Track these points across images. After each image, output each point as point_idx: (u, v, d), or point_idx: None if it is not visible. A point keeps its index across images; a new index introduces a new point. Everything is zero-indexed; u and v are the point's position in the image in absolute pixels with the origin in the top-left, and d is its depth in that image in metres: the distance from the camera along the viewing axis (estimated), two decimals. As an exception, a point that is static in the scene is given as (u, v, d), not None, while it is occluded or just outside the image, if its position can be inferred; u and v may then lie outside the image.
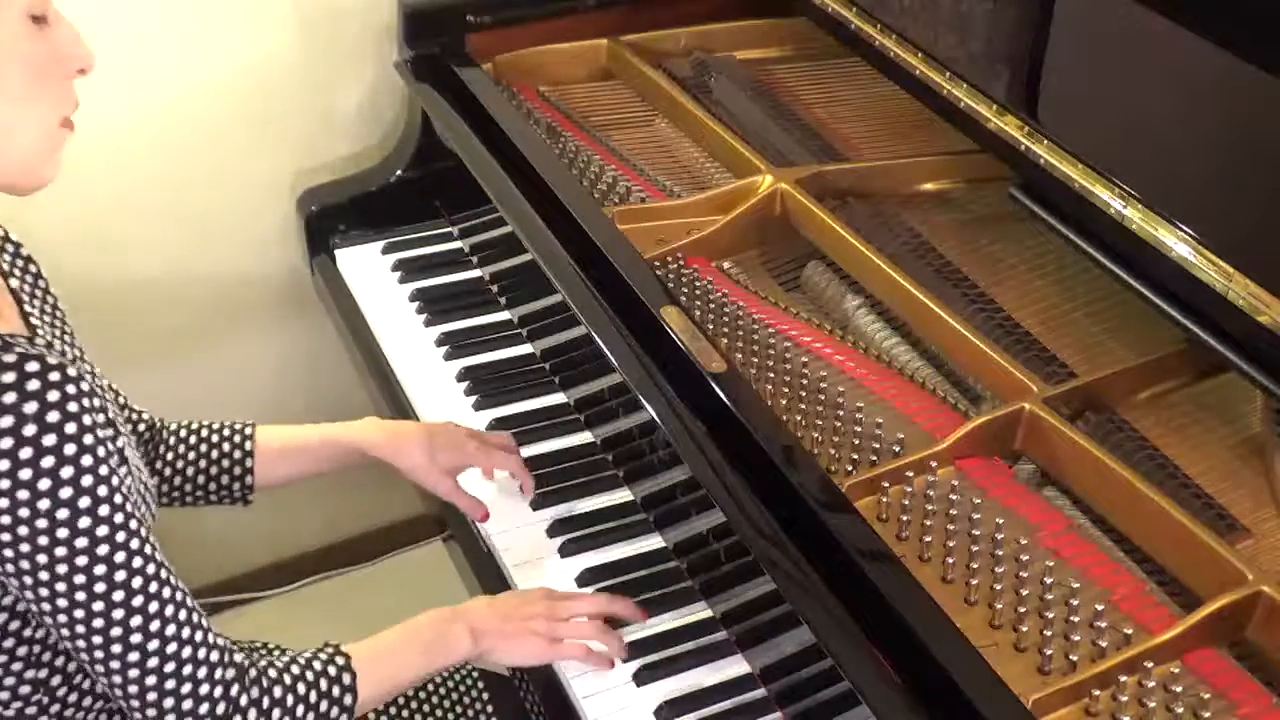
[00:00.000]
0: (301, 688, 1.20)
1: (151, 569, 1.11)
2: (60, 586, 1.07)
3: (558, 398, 1.71)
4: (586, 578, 1.48)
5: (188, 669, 1.13)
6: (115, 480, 1.08)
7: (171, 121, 2.01)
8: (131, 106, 1.97)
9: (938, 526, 1.32)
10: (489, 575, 1.53)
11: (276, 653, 1.24)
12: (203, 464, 1.49)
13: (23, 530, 1.05)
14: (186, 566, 2.51)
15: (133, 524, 1.10)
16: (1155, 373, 1.46)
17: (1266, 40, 1.45)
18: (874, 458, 1.40)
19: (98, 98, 1.92)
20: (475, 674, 1.59)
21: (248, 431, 1.51)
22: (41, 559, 1.06)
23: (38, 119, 1.11)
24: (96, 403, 1.09)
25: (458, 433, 1.56)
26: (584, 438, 1.65)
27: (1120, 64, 1.60)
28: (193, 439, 1.50)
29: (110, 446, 1.09)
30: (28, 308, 1.25)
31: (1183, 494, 1.34)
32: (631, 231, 1.62)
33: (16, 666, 1.19)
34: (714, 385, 1.39)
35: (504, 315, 1.84)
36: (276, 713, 1.18)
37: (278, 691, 1.19)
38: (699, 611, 1.44)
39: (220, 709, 1.15)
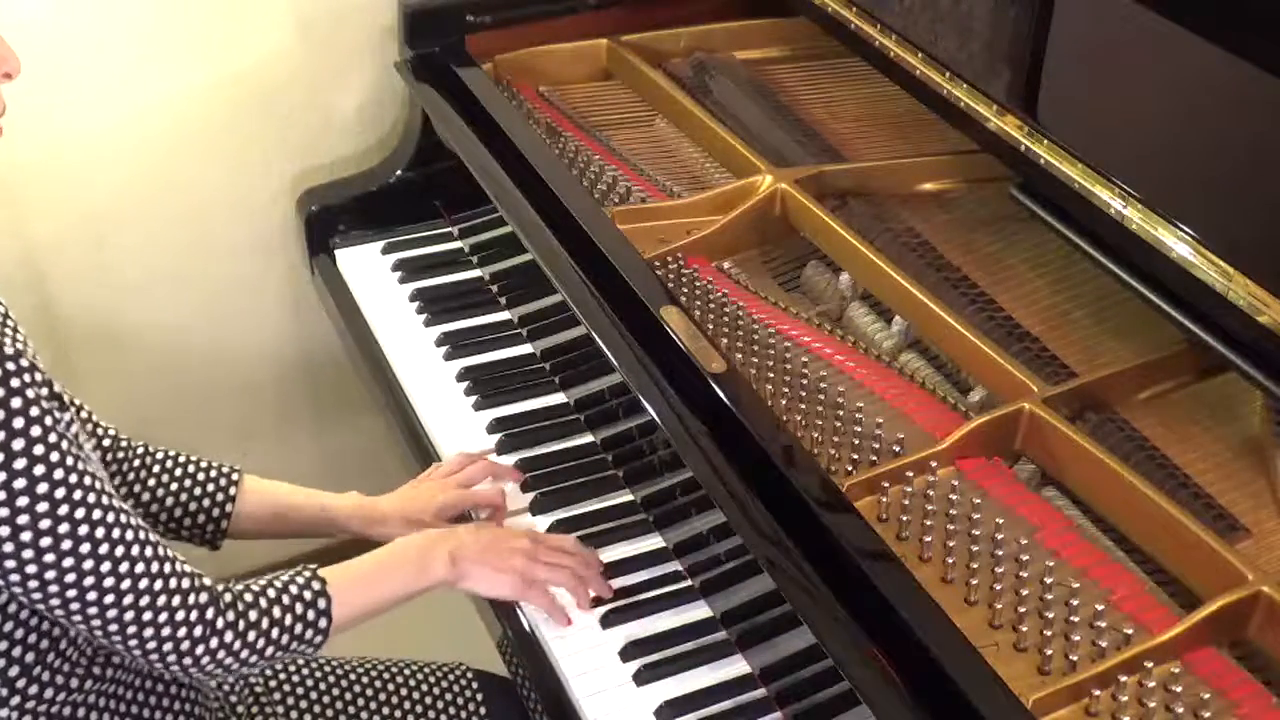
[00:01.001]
0: (277, 611, 1.25)
1: (111, 516, 1.14)
2: (26, 553, 1.10)
3: (558, 398, 1.71)
4: (586, 578, 1.48)
5: (161, 599, 1.17)
6: (64, 444, 1.11)
7: (171, 122, 2.01)
8: (132, 107, 1.98)
9: (938, 526, 1.32)
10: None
11: (255, 579, 1.27)
12: (183, 498, 1.49)
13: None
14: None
15: (87, 478, 1.13)
16: (1155, 373, 1.46)
17: (1266, 40, 1.44)
18: (874, 458, 1.40)
19: (98, 98, 1.93)
20: (470, 674, 1.59)
21: (234, 477, 1.51)
22: (3, 529, 1.09)
23: None
24: (40, 376, 1.11)
25: (432, 497, 1.55)
26: (584, 438, 1.65)
27: (1120, 64, 1.60)
28: (178, 471, 1.49)
29: (57, 415, 1.12)
30: None
31: (1183, 494, 1.34)
32: (631, 231, 1.62)
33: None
34: (714, 385, 1.39)
35: (504, 315, 1.84)
36: (252, 634, 1.23)
37: (253, 615, 1.23)
38: (699, 611, 1.44)
39: (198, 631, 1.19)
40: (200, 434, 2.22)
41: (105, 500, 1.15)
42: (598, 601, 1.44)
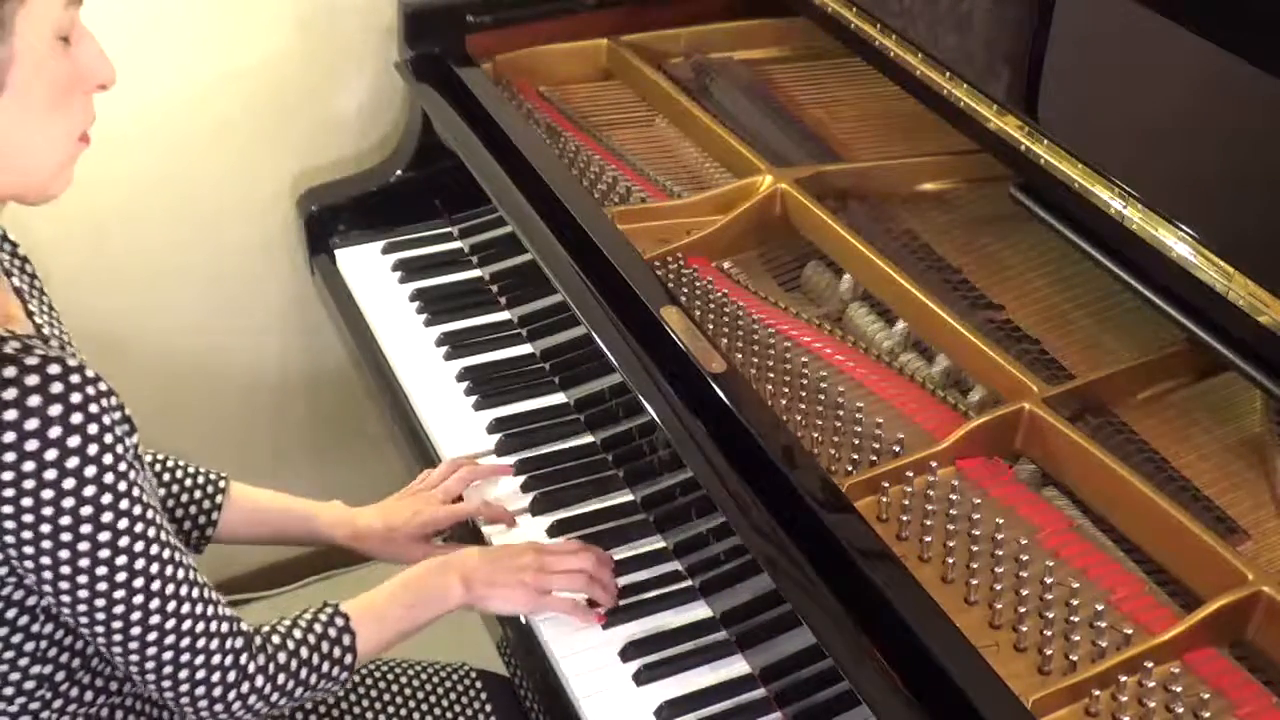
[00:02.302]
0: (305, 651, 1.26)
1: (166, 554, 1.15)
2: (82, 579, 1.11)
3: (558, 398, 1.71)
4: (586, 578, 1.48)
5: (201, 642, 1.18)
6: (133, 475, 1.12)
7: (171, 122, 2.01)
8: (132, 107, 1.97)
9: (938, 526, 1.32)
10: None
11: (280, 620, 1.28)
12: (169, 504, 1.49)
13: (45, 528, 1.08)
14: (186, 566, 2.48)
15: (149, 514, 1.14)
16: (1155, 373, 1.46)
17: (1266, 40, 1.44)
18: (874, 458, 1.39)
19: (98, 98, 1.93)
20: (474, 674, 1.59)
21: (220, 485, 1.51)
22: (64, 554, 1.09)
23: (58, 135, 1.12)
24: (115, 401, 1.12)
25: (419, 512, 1.55)
26: (584, 438, 1.65)
27: (1120, 64, 1.60)
28: (165, 476, 1.49)
29: (128, 443, 1.13)
30: (31, 307, 1.26)
31: (1183, 494, 1.34)
32: (631, 231, 1.62)
33: (23, 662, 1.20)
34: (714, 385, 1.39)
35: (504, 315, 1.84)
36: (282, 677, 1.24)
37: (282, 657, 1.24)
38: (699, 611, 1.44)
39: (231, 677, 1.20)
40: (199, 433, 2.22)
41: (163, 536, 1.15)
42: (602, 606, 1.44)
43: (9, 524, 1.07)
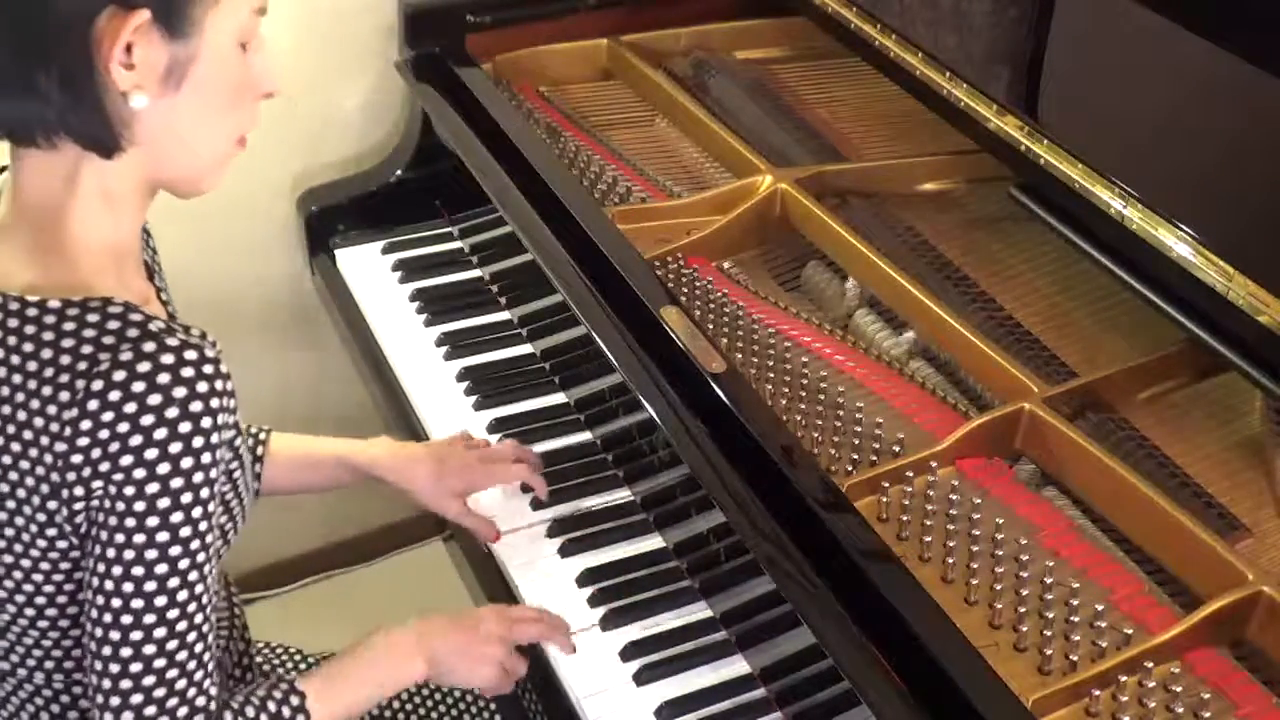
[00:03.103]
0: None
1: (200, 588, 1.11)
2: (117, 570, 1.08)
3: (558, 398, 1.71)
4: (586, 578, 1.48)
5: (171, 702, 1.11)
6: (210, 490, 1.10)
7: (171, 121, 2.01)
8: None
9: (938, 526, 1.32)
10: (489, 575, 1.53)
11: (236, 697, 1.21)
12: None
13: (119, 505, 1.06)
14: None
15: (209, 538, 1.11)
16: (1155, 373, 1.46)
17: (1266, 40, 1.45)
18: (874, 458, 1.40)
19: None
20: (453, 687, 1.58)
21: (261, 436, 1.50)
22: (120, 537, 1.07)
23: (223, 134, 1.16)
24: (232, 403, 1.12)
25: (467, 456, 1.54)
26: (584, 438, 1.65)
27: (1120, 64, 1.60)
28: None
29: (224, 450, 1.12)
30: (163, 296, 1.27)
31: (1183, 494, 1.34)
32: (631, 231, 1.62)
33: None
34: (714, 385, 1.39)
35: (504, 315, 1.84)
36: None
37: None
38: (699, 611, 1.44)
39: None
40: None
41: (206, 570, 1.11)
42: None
43: (96, 485, 1.06)
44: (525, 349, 1.79)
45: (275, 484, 1.51)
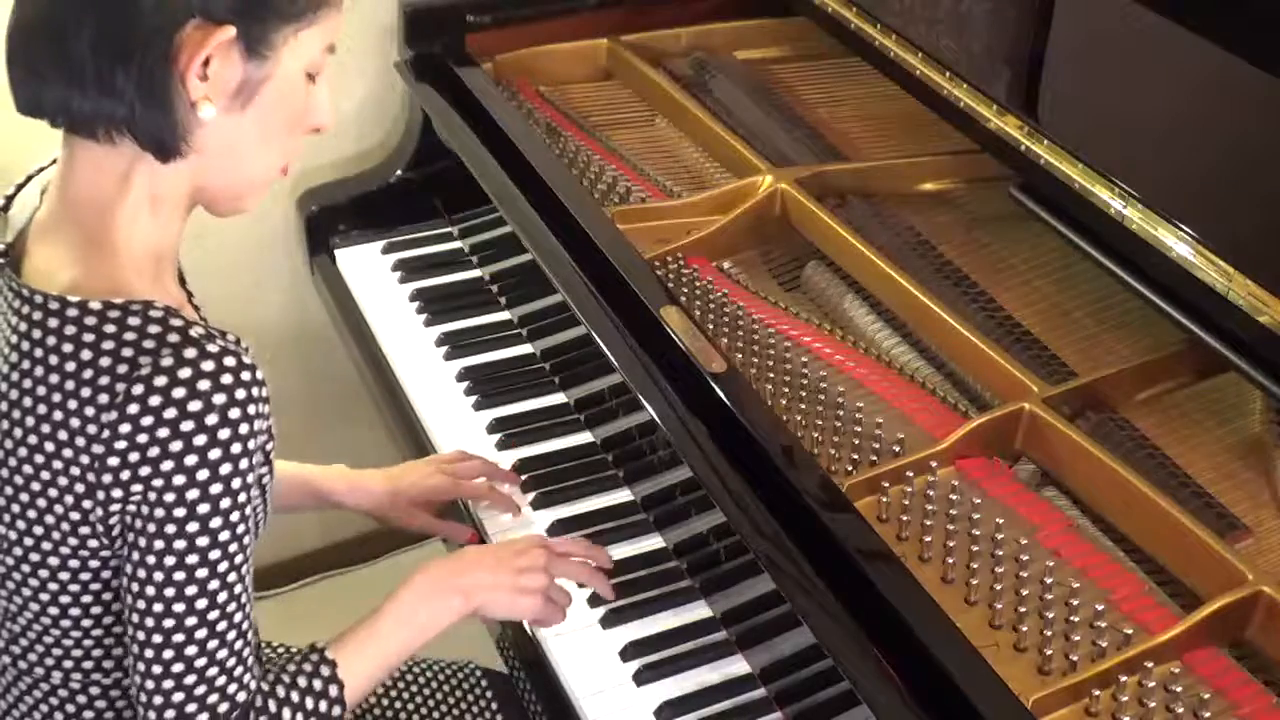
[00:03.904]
0: (287, 713, 1.19)
1: (238, 589, 1.12)
2: (150, 559, 1.09)
3: (558, 398, 1.71)
4: (586, 578, 1.48)
5: (212, 698, 1.13)
6: (247, 495, 1.11)
7: (171, 121, 2.01)
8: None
9: (938, 526, 1.32)
10: (489, 575, 1.53)
11: (268, 674, 1.21)
12: None
13: (159, 511, 1.07)
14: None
15: (245, 540, 1.12)
16: (1155, 373, 1.46)
17: (1266, 40, 1.45)
18: (874, 458, 1.40)
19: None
20: (479, 672, 1.58)
21: None
22: (158, 544, 1.08)
23: (272, 159, 1.19)
24: (267, 409, 1.14)
25: (427, 476, 1.55)
26: (584, 438, 1.65)
27: (1120, 64, 1.60)
28: None
29: (259, 456, 1.13)
30: (194, 301, 1.28)
31: (1183, 494, 1.34)
32: (631, 231, 1.62)
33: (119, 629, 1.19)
34: (714, 385, 1.39)
35: (504, 315, 1.84)
36: None
37: None
38: (699, 611, 1.44)
39: None
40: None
41: (243, 571, 1.13)
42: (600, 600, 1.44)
43: (135, 488, 1.07)
44: (525, 349, 1.79)
45: None
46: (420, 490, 1.54)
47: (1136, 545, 1.32)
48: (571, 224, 1.62)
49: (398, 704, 1.54)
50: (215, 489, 1.08)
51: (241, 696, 1.15)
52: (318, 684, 1.22)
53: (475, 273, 1.91)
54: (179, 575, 1.09)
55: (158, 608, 1.10)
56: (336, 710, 1.23)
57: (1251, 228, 1.38)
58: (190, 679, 1.12)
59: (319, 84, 1.20)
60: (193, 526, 1.08)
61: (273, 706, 1.18)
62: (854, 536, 1.25)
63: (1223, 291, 1.28)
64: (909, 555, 1.29)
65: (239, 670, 1.14)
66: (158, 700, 1.12)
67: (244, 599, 1.14)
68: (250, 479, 1.11)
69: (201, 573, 1.10)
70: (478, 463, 1.58)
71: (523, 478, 1.59)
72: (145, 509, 1.08)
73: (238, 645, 1.14)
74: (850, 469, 1.38)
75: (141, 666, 1.12)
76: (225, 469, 1.08)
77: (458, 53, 1.93)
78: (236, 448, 1.08)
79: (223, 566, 1.11)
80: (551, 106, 1.95)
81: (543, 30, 2.00)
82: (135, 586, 1.10)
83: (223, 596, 1.11)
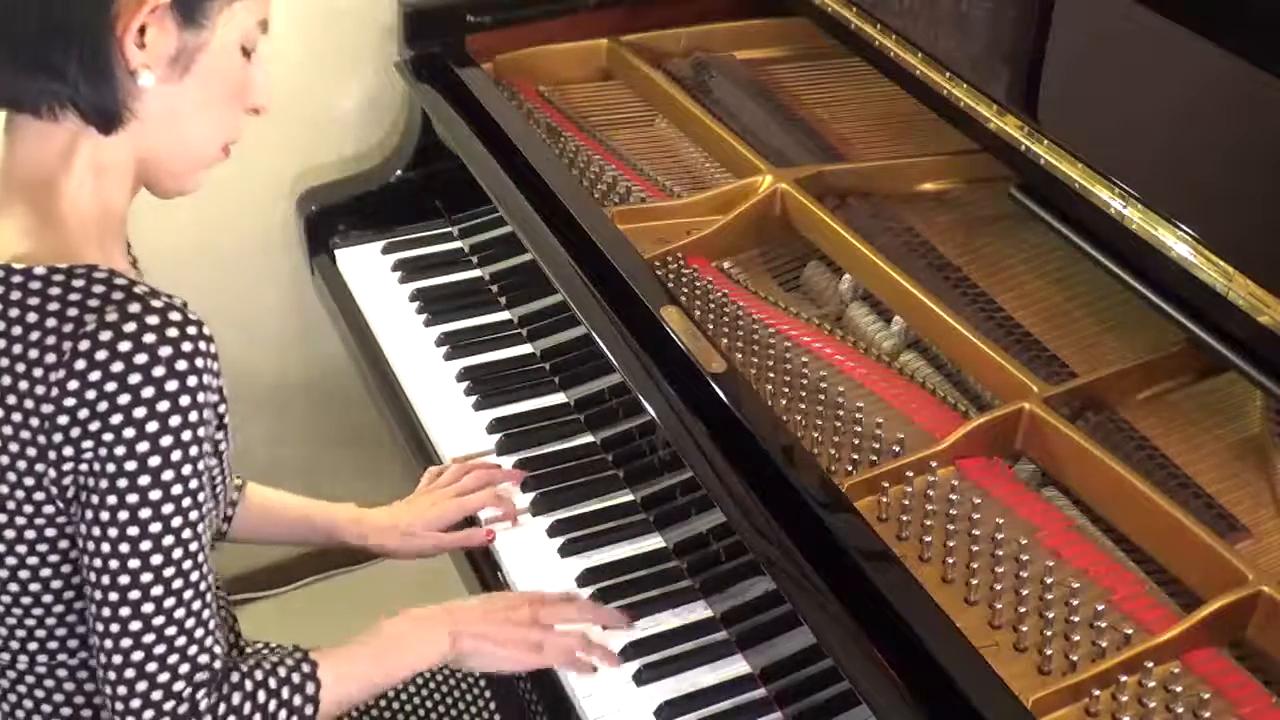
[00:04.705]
0: (262, 695, 1.20)
1: (195, 545, 1.12)
2: (111, 531, 1.09)
3: (558, 398, 1.71)
4: (586, 578, 1.48)
5: (173, 658, 1.13)
6: (207, 447, 1.12)
7: (171, 121, 2.01)
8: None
9: (938, 526, 1.32)
10: (489, 575, 1.53)
11: (247, 659, 1.22)
12: None
13: (110, 467, 1.08)
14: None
15: (200, 496, 1.12)
16: (1155, 373, 1.46)
17: (1266, 40, 1.45)
18: (874, 458, 1.40)
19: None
20: (479, 672, 1.59)
21: (238, 484, 1.51)
22: (111, 499, 1.09)
23: (214, 132, 1.21)
24: (216, 366, 1.14)
25: (426, 513, 1.55)
26: (584, 438, 1.65)
27: (1120, 64, 1.60)
28: None
29: (211, 412, 1.14)
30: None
31: (1183, 494, 1.34)
32: (631, 231, 1.62)
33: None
34: (714, 385, 1.39)
35: (504, 315, 1.84)
36: None
37: (236, 699, 1.18)
38: (699, 611, 1.44)
39: (183, 709, 1.14)
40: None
41: (200, 529, 1.12)
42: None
43: (86, 445, 1.08)
44: (525, 349, 1.79)
45: (237, 532, 1.52)
46: (429, 521, 1.55)
47: (1136, 545, 1.32)
48: (571, 224, 1.62)
49: (395, 704, 1.54)
50: (165, 441, 1.08)
51: (204, 659, 1.14)
52: (296, 678, 1.23)
53: (475, 273, 1.91)
54: (132, 530, 1.09)
55: (113, 564, 1.10)
56: (310, 709, 1.23)
57: (1251, 228, 1.38)
58: (149, 638, 1.12)
59: (255, 62, 1.22)
60: (144, 480, 1.08)
61: (249, 685, 1.19)
62: (854, 536, 1.25)
63: (1223, 291, 1.28)
64: (909, 555, 1.29)
65: (200, 633, 1.14)
66: (117, 660, 1.12)
67: (201, 559, 1.13)
68: (203, 433, 1.11)
69: (155, 526, 1.10)
70: (480, 474, 1.58)
71: (524, 477, 1.59)
72: (97, 465, 1.08)
73: (195, 605, 1.13)
74: (850, 469, 1.38)
75: (100, 627, 1.12)
76: (174, 420, 1.08)
77: (458, 53, 1.93)
78: (185, 400, 1.09)
79: (176, 521, 1.10)
80: (551, 106, 1.95)
81: (543, 30, 2.00)
82: (91, 546, 1.10)
83: (178, 553, 1.11)
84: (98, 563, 1.10)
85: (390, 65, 2.00)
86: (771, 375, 1.50)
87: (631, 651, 1.40)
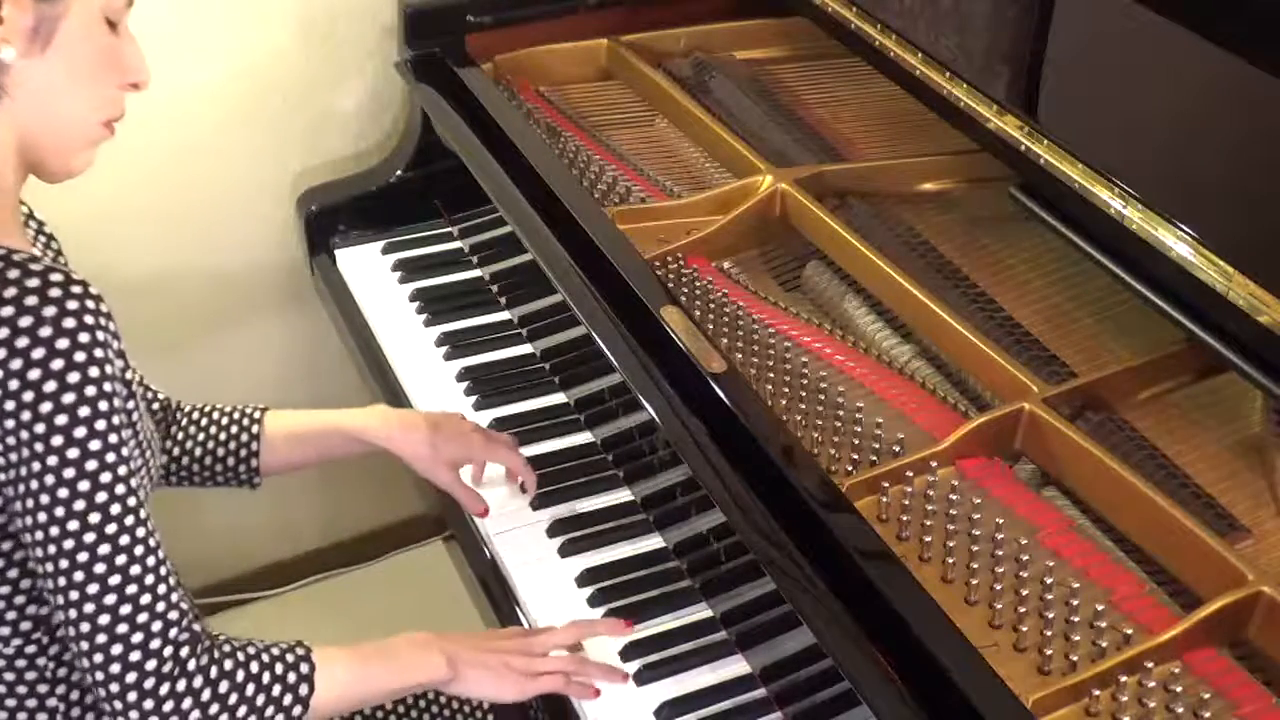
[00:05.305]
0: (255, 667, 1.20)
1: (133, 501, 1.12)
2: (44, 499, 1.09)
3: (558, 398, 1.71)
4: (586, 578, 1.48)
5: (142, 617, 1.13)
6: (118, 402, 1.11)
7: (171, 121, 2.01)
8: (131, 106, 1.97)
9: (938, 526, 1.32)
10: (489, 575, 1.53)
11: (247, 644, 1.23)
12: (210, 445, 1.50)
13: (23, 435, 1.08)
14: (187, 566, 2.50)
15: (125, 451, 1.12)
16: (1155, 373, 1.46)
17: (1266, 40, 1.45)
18: (874, 458, 1.40)
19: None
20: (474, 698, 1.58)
21: (256, 415, 1.52)
22: (35, 466, 1.09)
23: (90, 107, 1.19)
24: (113, 327, 1.13)
25: (463, 424, 1.56)
26: (584, 438, 1.65)
27: (1120, 64, 1.60)
28: (203, 420, 1.51)
29: (115, 369, 1.12)
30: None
31: (1183, 494, 1.34)
32: (631, 231, 1.62)
33: (19, 600, 1.19)
34: (714, 385, 1.39)
35: (504, 315, 1.84)
36: (224, 685, 1.18)
37: (228, 665, 1.18)
38: (699, 611, 1.44)
39: (167, 668, 1.14)
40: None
41: (133, 484, 1.12)
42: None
43: (9, 424, 1.08)
44: (525, 349, 1.79)
45: (272, 463, 1.52)
46: (458, 441, 1.53)
47: (1136, 545, 1.32)
48: (571, 224, 1.62)
49: (400, 707, 1.53)
50: (84, 411, 1.08)
51: (174, 615, 1.14)
52: (291, 658, 1.23)
53: (475, 273, 1.91)
54: (74, 503, 1.09)
55: (55, 531, 1.10)
56: (304, 689, 1.22)
57: (1251, 228, 1.38)
58: (110, 599, 1.12)
59: (125, 36, 1.21)
60: (73, 452, 1.09)
61: (242, 656, 1.18)
62: (854, 536, 1.25)
63: (1223, 291, 1.28)
64: (909, 555, 1.29)
65: (162, 589, 1.14)
66: (85, 628, 1.12)
67: (144, 515, 1.13)
68: (116, 403, 1.10)
69: (85, 485, 1.09)
70: (508, 440, 1.58)
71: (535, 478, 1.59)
72: (12, 439, 1.08)
73: (151, 562, 1.13)
74: (850, 469, 1.38)
75: (61, 601, 1.12)
76: (90, 390, 1.08)
77: (458, 53, 1.93)
78: (94, 371, 1.09)
79: (106, 477, 1.10)
80: (551, 106, 1.95)
81: (543, 30, 2.00)
82: (30, 521, 1.10)
83: (117, 508, 1.11)
84: (40, 535, 1.10)
85: (390, 65, 2.00)
86: (771, 375, 1.50)
87: (632, 651, 1.40)
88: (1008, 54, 1.72)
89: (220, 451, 1.50)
